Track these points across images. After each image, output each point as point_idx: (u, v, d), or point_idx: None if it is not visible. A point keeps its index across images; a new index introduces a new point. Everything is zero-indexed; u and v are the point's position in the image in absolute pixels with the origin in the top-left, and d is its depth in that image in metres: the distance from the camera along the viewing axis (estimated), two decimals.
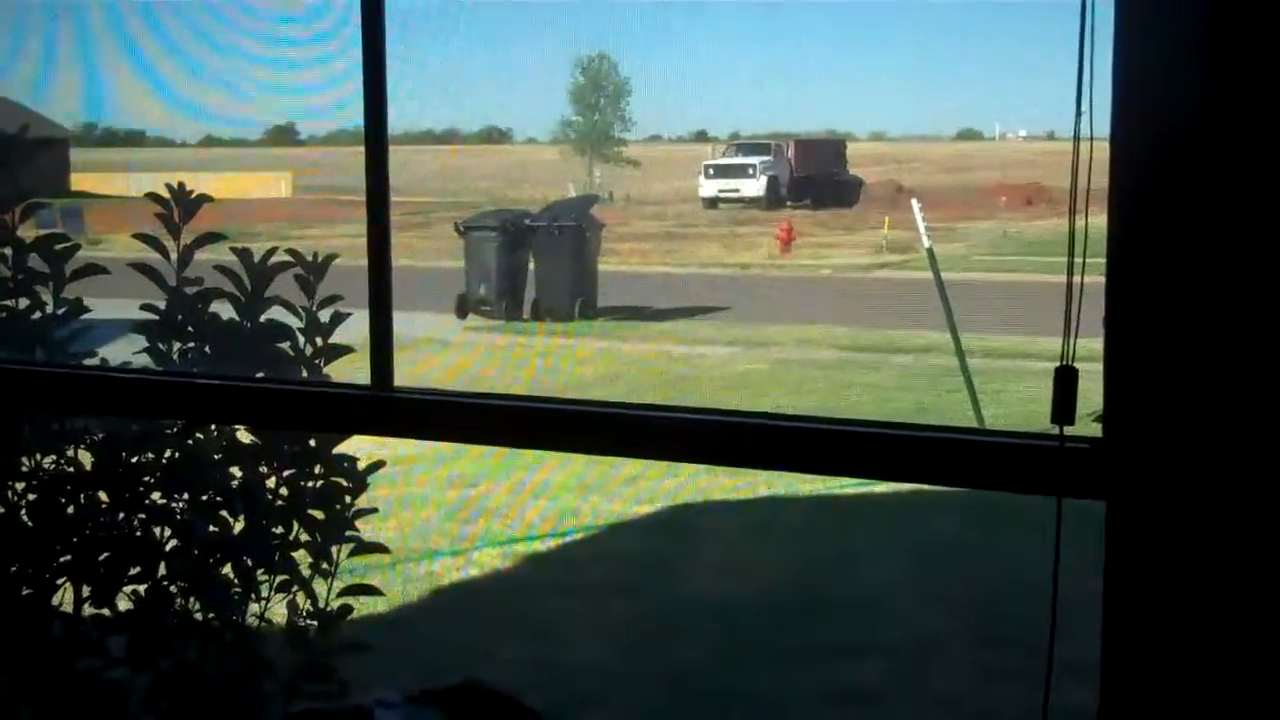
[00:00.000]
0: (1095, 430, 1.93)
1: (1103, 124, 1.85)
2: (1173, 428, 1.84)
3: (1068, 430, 1.94)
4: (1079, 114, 1.86)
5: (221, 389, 2.82)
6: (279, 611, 3.32)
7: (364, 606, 3.44)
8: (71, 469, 3.33)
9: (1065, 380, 1.94)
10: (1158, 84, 1.81)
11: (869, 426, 2.14)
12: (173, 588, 3.25)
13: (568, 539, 7.35)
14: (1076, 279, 1.91)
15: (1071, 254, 1.90)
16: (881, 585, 6.50)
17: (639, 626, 5.98)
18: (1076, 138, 1.86)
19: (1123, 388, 1.88)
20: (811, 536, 7.43)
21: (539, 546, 7.23)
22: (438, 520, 7.50)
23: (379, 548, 3.44)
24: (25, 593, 3.26)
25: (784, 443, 2.20)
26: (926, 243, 11.79)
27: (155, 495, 3.30)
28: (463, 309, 16.63)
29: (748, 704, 5.12)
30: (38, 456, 3.34)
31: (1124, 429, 1.88)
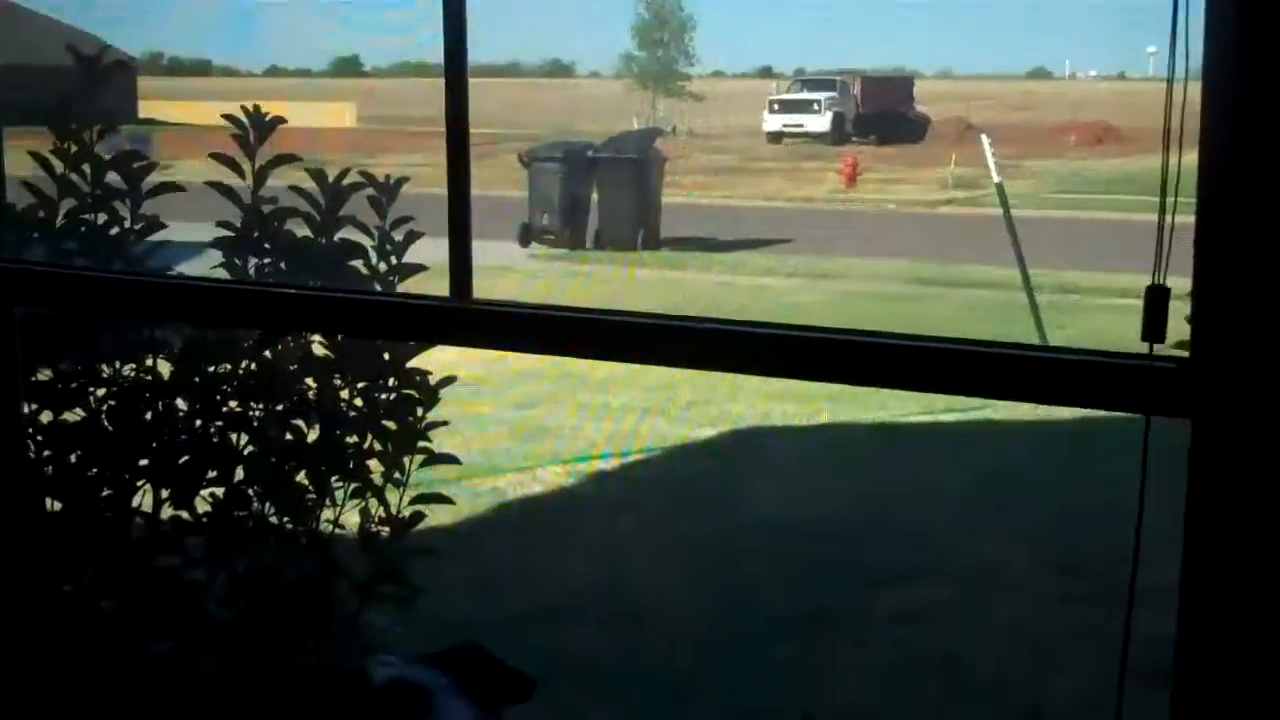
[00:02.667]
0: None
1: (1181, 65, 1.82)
2: (1260, 349, 1.82)
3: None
4: (1174, 52, 1.82)
5: (303, 298, 2.84)
6: (352, 519, 3.38)
7: (431, 518, 3.49)
8: (150, 378, 3.38)
9: (1156, 298, 1.91)
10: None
11: (956, 343, 2.12)
12: (249, 491, 3.30)
13: (629, 460, 7.42)
14: (1169, 201, 1.88)
15: (1165, 177, 1.87)
16: (946, 512, 6.48)
17: (699, 546, 6.02)
18: (1171, 69, 1.82)
19: (1210, 309, 1.86)
20: (873, 463, 7.41)
21: (601, 465, 7.30)
22: (504, 439, 7.58)
23: (450, 458, 3.46)
24: (106, 493, 3.32)
25: (864, 357, 2.19)
26: (996, 177, 11.61)
27: (233, 403, 3.34)
28: (525, 237, 16.67)
29: (806, 623, 5.14)
30: (116, 364, 3.39)
31: (1210, 349, 1.86)
